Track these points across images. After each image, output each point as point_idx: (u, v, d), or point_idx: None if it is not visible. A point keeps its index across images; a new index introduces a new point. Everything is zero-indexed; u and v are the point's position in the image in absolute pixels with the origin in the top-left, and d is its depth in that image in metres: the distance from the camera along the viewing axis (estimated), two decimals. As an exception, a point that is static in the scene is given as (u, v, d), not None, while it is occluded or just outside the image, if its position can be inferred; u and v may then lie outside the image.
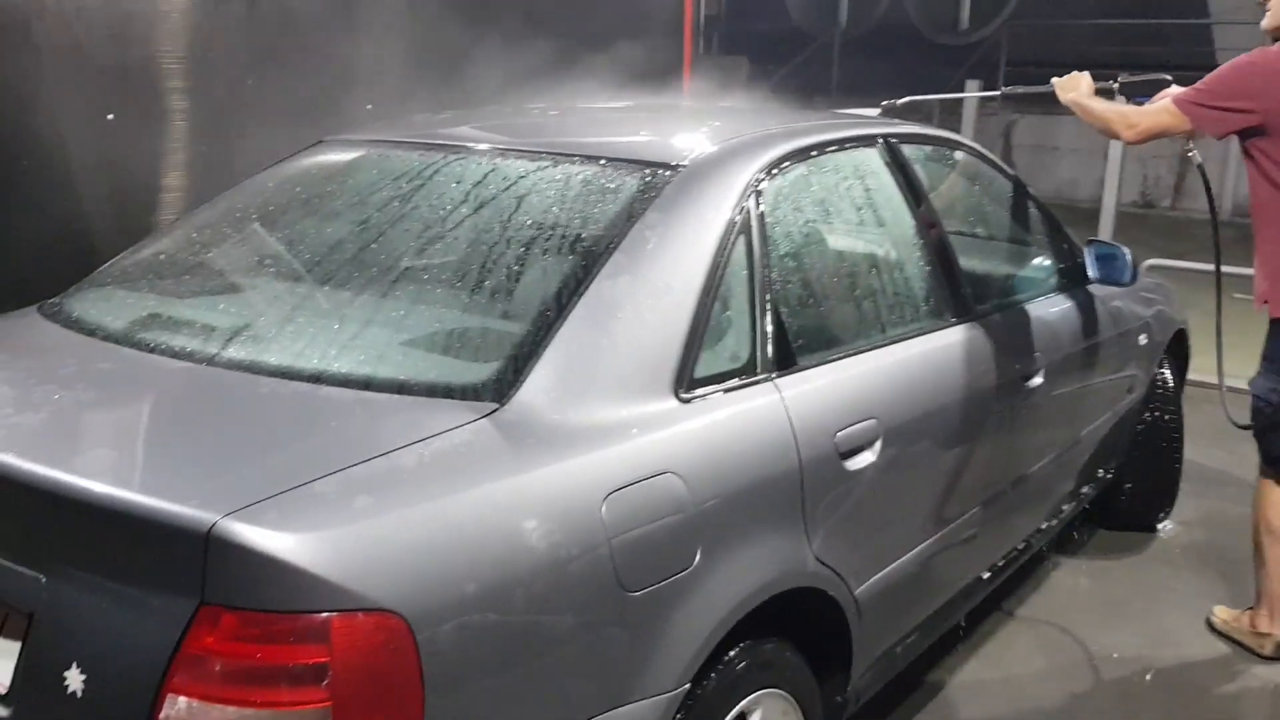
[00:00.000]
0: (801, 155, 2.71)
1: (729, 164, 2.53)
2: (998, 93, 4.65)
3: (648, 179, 2.43)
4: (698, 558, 2.04)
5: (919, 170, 3.17)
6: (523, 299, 2.21)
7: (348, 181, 2.78)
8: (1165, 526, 4.52)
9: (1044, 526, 3.65)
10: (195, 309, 2.38)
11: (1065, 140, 15.20)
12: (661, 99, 3.47)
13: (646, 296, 2.20)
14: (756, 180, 2.51)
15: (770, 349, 2.38)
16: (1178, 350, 4.58)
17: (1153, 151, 14.90)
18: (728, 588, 2.10)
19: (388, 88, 5.53)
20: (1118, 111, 3.41)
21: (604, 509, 1.90)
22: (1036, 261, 3.77)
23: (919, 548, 2.80)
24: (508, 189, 2.49)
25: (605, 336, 2.12)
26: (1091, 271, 3.74)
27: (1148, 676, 3.48)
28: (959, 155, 3.54)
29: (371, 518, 1.68)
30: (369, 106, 5.42)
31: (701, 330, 2.24)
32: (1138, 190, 14.76)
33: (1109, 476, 4.18)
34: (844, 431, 2.43)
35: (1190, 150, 3.61)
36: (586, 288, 2.15)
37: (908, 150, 3.15)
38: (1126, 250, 3.68)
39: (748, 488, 2.19)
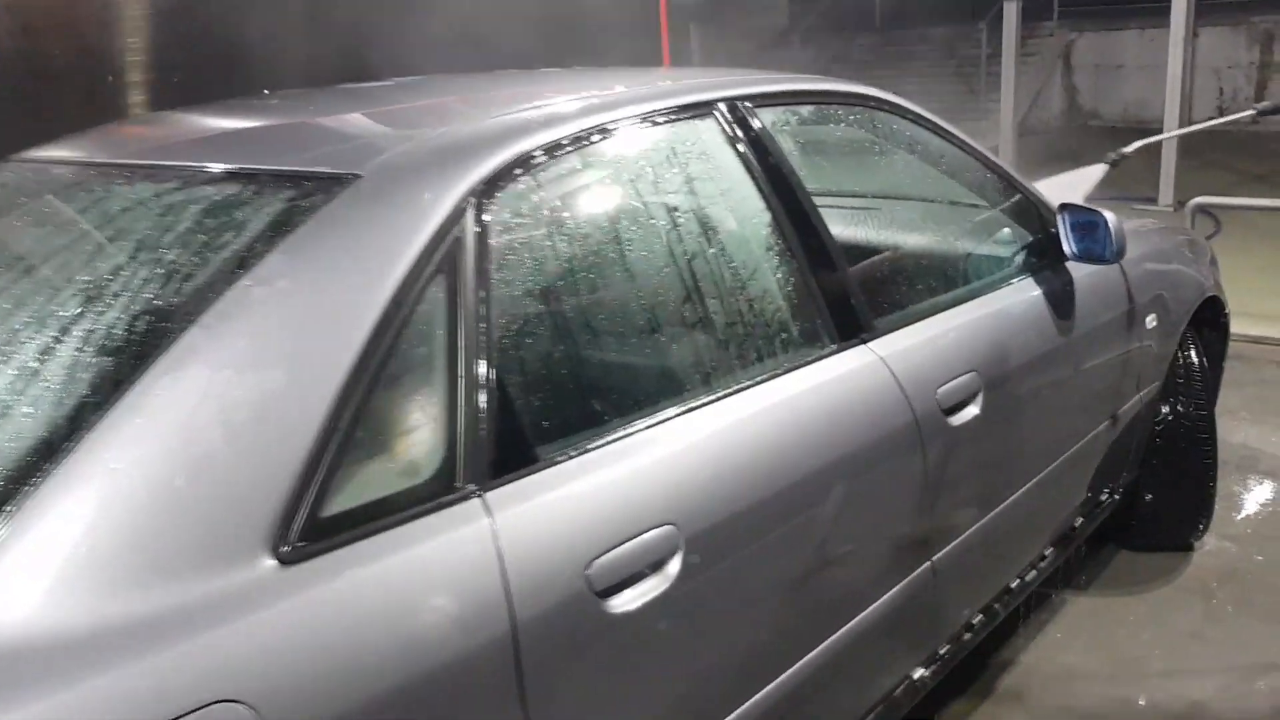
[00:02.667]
0: (568, 148, 1.88)
1: (432, 171, 1.71)
2: (1251, 112, 3.70)
3: (288, 204, 1.63)
4: None
5: (789, 143, 2.31)
6: (25, 426, 1.42)
7: None
8: (1203, 544, 3.60)
9: (1013, 586, 2.77)
10: None
11: (1130, 57, 13.93)
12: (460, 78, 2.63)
13: (236, 392, 1.40)
14: (475, 194, 1.69)
15: (481, 447, 1.57)
16: (1211, 320, 3.64)
17: (1227, 60, 13.53)
18: None
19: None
20: None
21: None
22: (987, 243, 2.86)
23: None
24: (84, 233, 1.71)
25: (143, 468, 1.32)
26: (1068, 246, 2.84)
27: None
28: (864, 114, 2.63)
29: None
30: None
31: (346, 435, 1.44)
32: (1213, 104, 13.42)
33: (1115, 499, 3.27)
34: (600, 561, 1.61)
35: None
36: (123, 395, 1.36)
37: (769, 116, 2.29)
38: (1109, 216, 2.76)
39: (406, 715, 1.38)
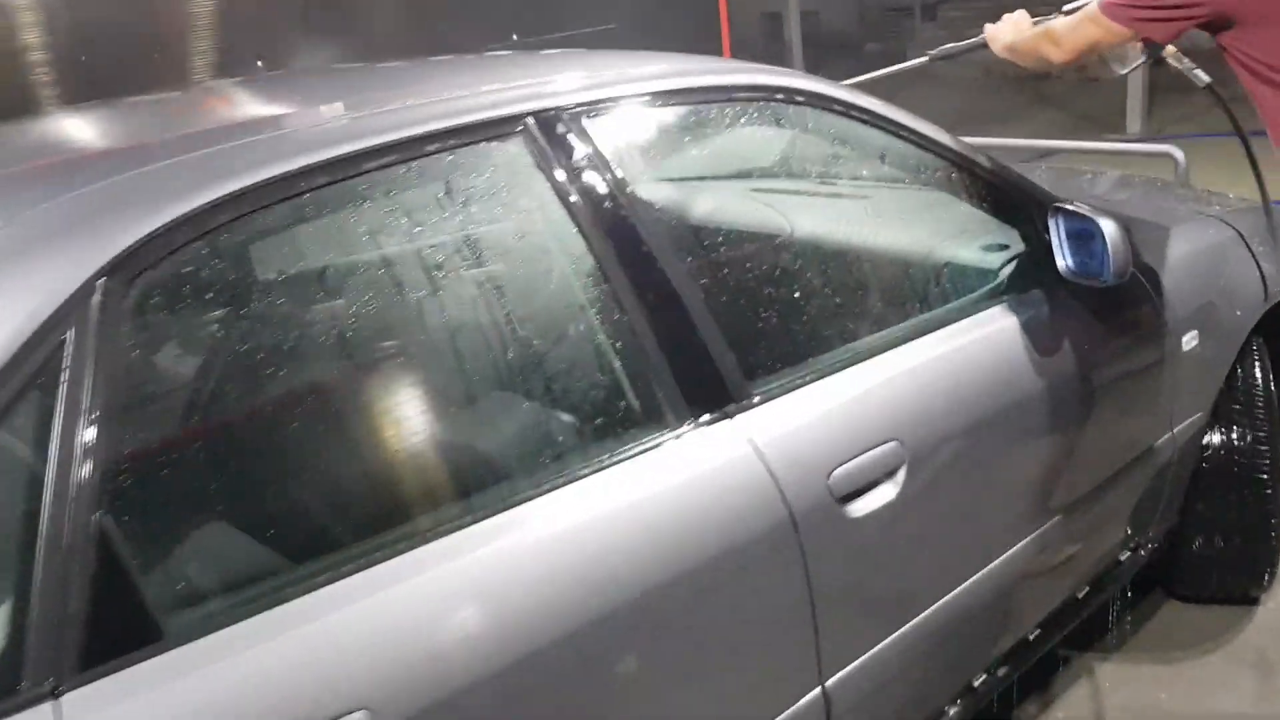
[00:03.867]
0: (270, 201, 1.42)
1: (37, 249, 1.29)
2: (925, 59, 3.13)
3: None
4: None
5: (647, 160, 1.82)
6: None
7: None
8: (1270, 598, 2.96)
9: (976, 684, 2.22)
10: None
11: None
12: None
13: None
14: (102, 278, 1.27)
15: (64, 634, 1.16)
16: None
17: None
18: None
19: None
20: (1043, 31, 2.43)
21: None
22: (944, 263, 2.28)
23: None
24: None
25: None
26: (1062, 260, 2.25)
27: None
28: (778, 110, 2.07)
29: None
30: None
31: None
32: None
33: (1141, 554, 2.67)
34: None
35: (1170, 58, 2.50)
36: None
37: (611, 125, 1.79)
38: (1108, 227, 2.15)
39: None
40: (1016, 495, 2.20)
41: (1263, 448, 2.77)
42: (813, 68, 9.96)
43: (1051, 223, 2.27)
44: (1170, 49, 2.46)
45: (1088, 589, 2.49)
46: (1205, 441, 2.74)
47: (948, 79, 11.38)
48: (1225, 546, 2.81)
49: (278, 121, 1.62)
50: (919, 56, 3.14)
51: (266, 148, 1.48)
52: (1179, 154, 4.74)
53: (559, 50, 2.36)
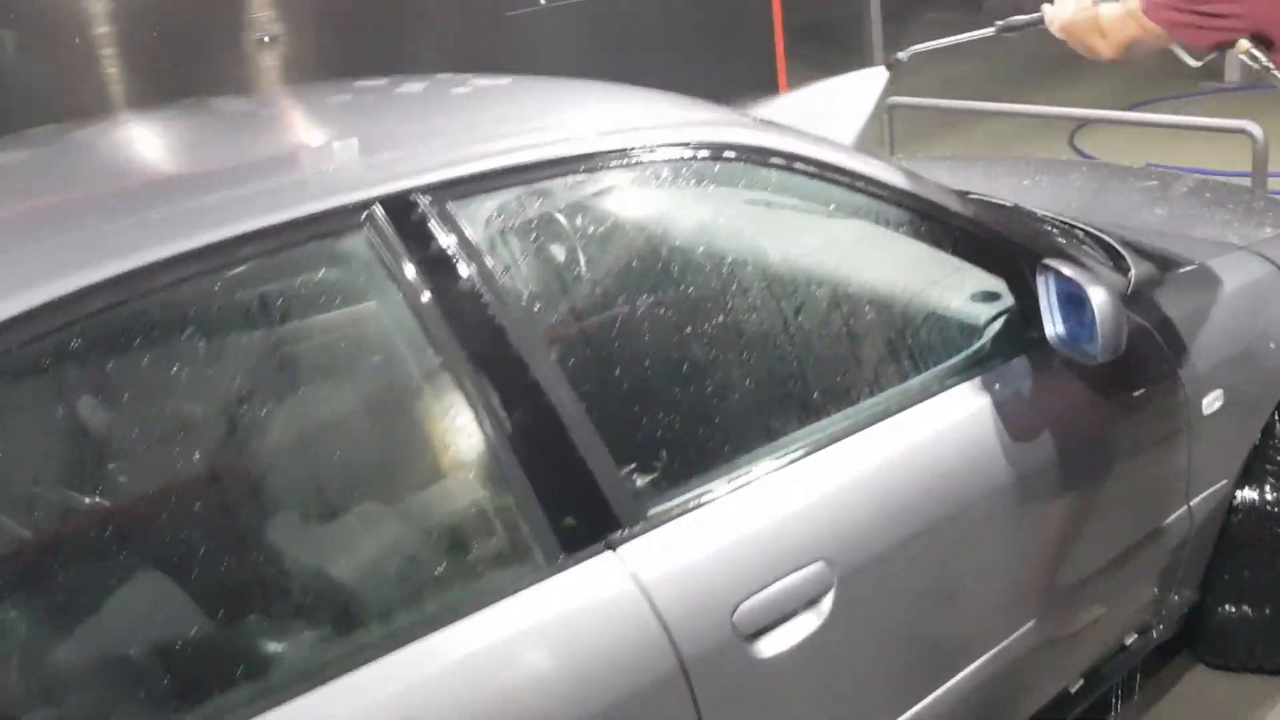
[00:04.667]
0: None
1: None
2: (991, 29, 2.88)
3: None
4: None
5: (526, 243, 1.57)
6: None
7: None
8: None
9: None
10: None
11: None
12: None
13: None
14: None
15: None
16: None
17: None
18: None
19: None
20: (1092, 18, 2.27)
21: None
22: (905, 336, 1.98)
23: None
24: None
25: None
26: (1052, 328, 1.95)
27: None
28: (702, 168, 1.77)
29: None
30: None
31: None
32: None
33: (1153, 635, 2.37)
34: None
35: (1244, 55, 2.14)
36: None
37: (479, 206, 1.54)
38: (1098, 296, 1.85)
39: None
40: (986, 599, 1.93)
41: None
42: (891, 29, 9.43)
43: (1040, 281, 1.97)
44: (1243, 45, 2.19)
45: (1082, 682, 2.21)
46: (1233, 504, 2.43)
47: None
48: (1255, 615, 2.50)
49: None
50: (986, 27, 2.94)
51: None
52: (1257, 131, 4.31)
53: (451, 88, 2.08)
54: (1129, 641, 2.31)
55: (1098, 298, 1.84)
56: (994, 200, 2.60)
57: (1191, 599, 2.43)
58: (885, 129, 5.59)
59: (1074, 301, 1.91)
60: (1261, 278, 2.40)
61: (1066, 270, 1.91)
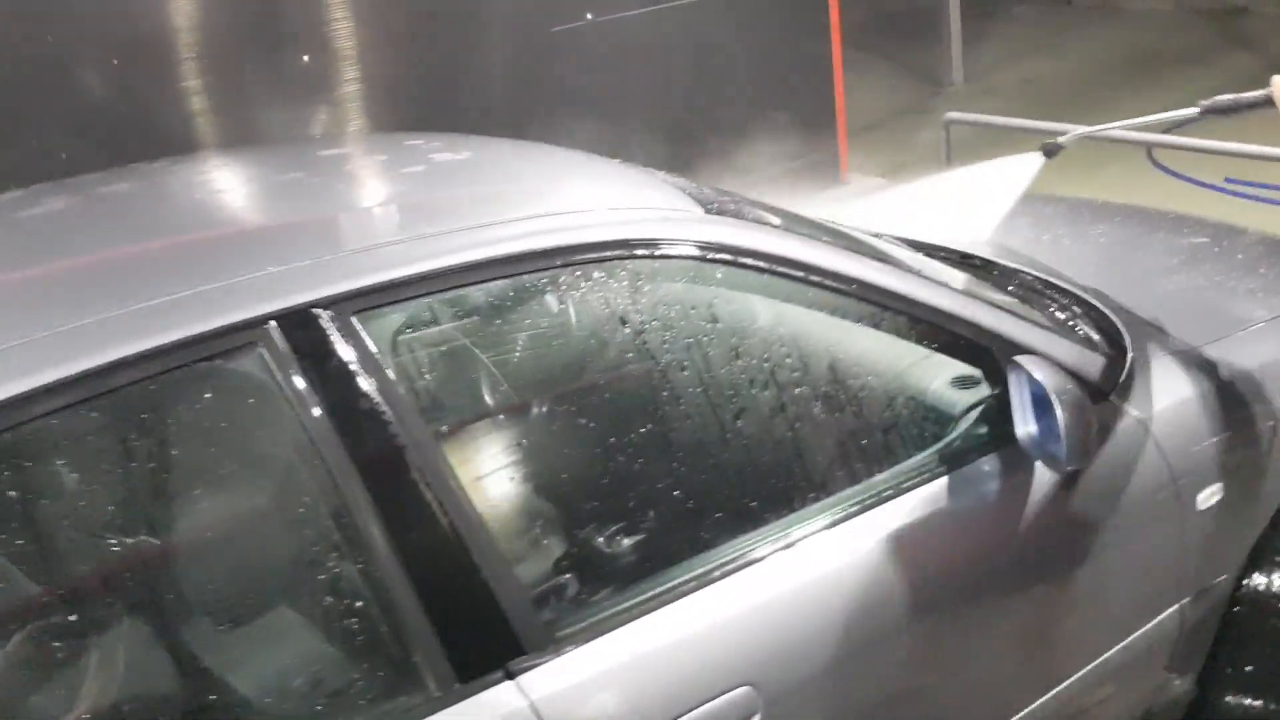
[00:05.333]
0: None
1: None
2: (1195, 110, 2.67)
3: None
4: None
5: (440, 357, 1.53)
6: None
7: None
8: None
9: None
10: None
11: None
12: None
13: None
14: None
15: None
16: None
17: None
18: None
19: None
20: None
21: None
22: (854, 438, 1.87)
23: None
24: None
25: None
26: (1022, 427, 1.85)
27: None
28: (636, 267, 1.69)
29: None
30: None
31: None
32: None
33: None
34: None
35: None
36: None
37: (386, 319, 1.51)
38: (1062, 402, 1.74)
39: None
40: (941, 716, 1.85)
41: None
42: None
43: (1012, 378, 1.87)
44: None
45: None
46: (1238, 594, 2.29)
47: (1132, 12, 10.36)
48: (1260, 709, 2.36)
49: None
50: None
51: None
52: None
53: (395, 162, 1.99)
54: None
55: (1065, 404, 1.74)
56: (989, 265, 2.49)
57: (1189, 694, 2.30)
58: (943, 145, 5.43)
59: (1046, 403, 1.80)
60: (1275, 358, 2.25)
61: (1036, 372, 1.80)
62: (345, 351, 1.41)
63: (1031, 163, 2.73)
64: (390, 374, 1.43)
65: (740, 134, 5.61)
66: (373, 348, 1.44)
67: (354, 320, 1.43)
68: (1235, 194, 5.85)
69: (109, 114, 3.91)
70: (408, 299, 1.48)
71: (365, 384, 1.41)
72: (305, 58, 4.30)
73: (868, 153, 7.39)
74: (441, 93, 4.74)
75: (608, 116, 5.13)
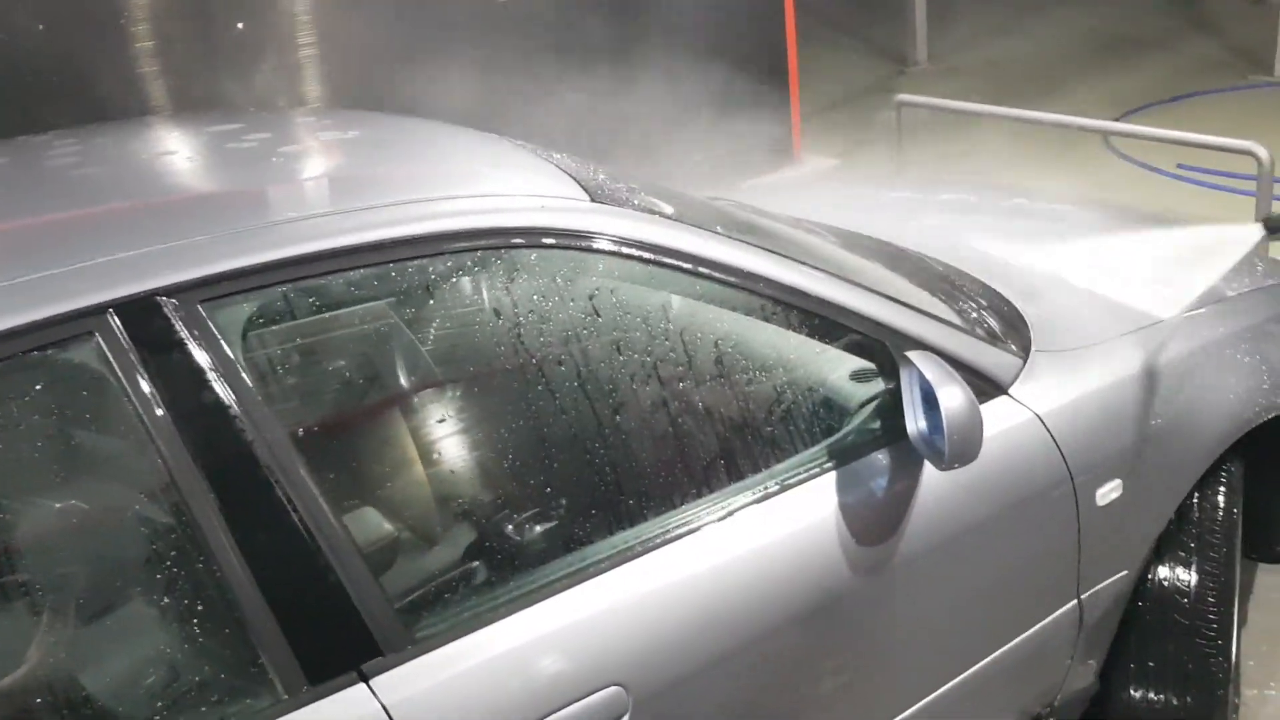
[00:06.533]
0: None
1: None
2: (1259, 229, 2.64)
3: None
4: None
5: (289, 350, 1.47)
6: None
7: None
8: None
9: None
10: None
11: None
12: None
13: None
14: None
15: None
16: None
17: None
18: None
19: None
20: None
21: None
22: (740, 434, 1.82)
23: None
24: None
25: None
26: (913, 423, 1.81)
27: None
28: (512, 258, 1.63)
29: None
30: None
31: None
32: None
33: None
34: None
35: None
36: None
37: (237, 309, 1.45)
38: (955, 398, 1.70)
39: None
40: (823, 713, 1.81)
41: (1210, 594, 2.27)
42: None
43: (904, 374, 1.83)
44: None
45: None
46: (1141, 589, 2.26)
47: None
48: (1166, 703, 2.34)
49: None
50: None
51: None
52: (1263, 153, 4.05)
53: (267, 141, 1.90)
54: (1009, 736, 2.17)
55: (951, 402, 1.70)
56: (905, 257, 2.44)
57: (1092, 687, 2.28)
58: (895, 126, 5.37)
59: (935, 399, 1.76)
60: (1181, 355, 2.21)
61: (924, 368, 1.76)
62: (190, 343, 1.35)
63: (1250, 235, 2.68)
64: (239, 367, 1.37)
65: (690, 113, 5.53)
66: (221, 339, 1.37)
67: (201, 309, 1.37)
68: (1188, 180, 5.83)
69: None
70: (260, 288, 1.41)
71: (211, 377, 1.35)
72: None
73: (827, 132, 7.33)
74: (363, 63, 4.64)
75: (550, 96, 5.04)
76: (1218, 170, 5.63)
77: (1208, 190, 5.61)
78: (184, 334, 1.35)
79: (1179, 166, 5.92)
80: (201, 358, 1.36)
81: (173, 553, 1.34)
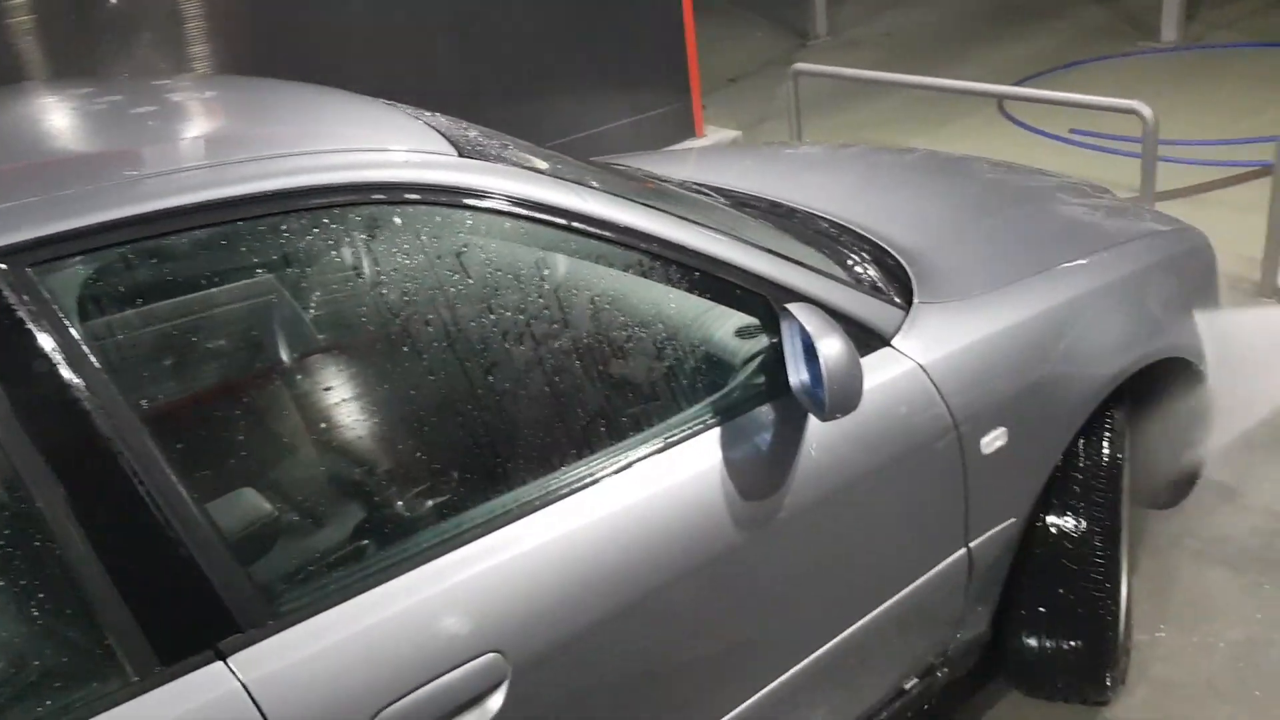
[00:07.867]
0: None
1: None
2: None
3: None
4: None
5: (130, 313, 1.37)
6: None
7: None
8: (1119, 700, 2.50)
9: None
10: None
11: None
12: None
13: None
14: None
15: None
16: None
17: None
18: None
19: None
20: None
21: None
22: (617, 393, 1.78)
23: None
24: None
25: None
26: (795, 376, 1.77)
27: None
28: (374, 214, 1.55)
29: None
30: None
31: None
32: None
33: (939, 676, 2.22)
34: None
35: None
36: None
37: (90, 274, 1.35)
38: (833, 347, 1.66)
39: None
40: (712, 669, 1.77)
41: (1098, 540, 2.28)
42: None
43: (785, 326, 1.78)
44: None
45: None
46: (1030, 536, 2.26)
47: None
48: (1054, 648, 2.35)
49: None
50: None
51: None
52: (1147, 111, 4.09)
53: (125, 99, 1.80)
54: (908, 686, 2.16)
55: (830, 350, 1.66)
56: (790, 212, 2.41)
57: (982, 636, 2.27)
58: (790, 95, 5.35)
59: (809, 352, 1.72)
60: (1062, 304, 2.20)
61: (804, 320, 1.72)
62: (20, 309, 1.26)
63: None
64: (74, 333, 1.28)
65: (591, 87, 5.45)
66: (55, 305, 1.28)
67: (30, 273, 1.27)
68: (1079, 144, 5.89)
69: None
70: (99, 249, 1.32)
71: (42, 344, 1.26)
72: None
73: (730, 104, 7.30)
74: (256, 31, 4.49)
75: (442, 67, 4.93)
76: (1109, 134, 5.70)
77: (1099, 154, 5.69)
78: (13, 300, 1.25)
79: (1072, 131, 6.00)
80: (34, 325, 1.26)
81: (6, 531, 1.25)
